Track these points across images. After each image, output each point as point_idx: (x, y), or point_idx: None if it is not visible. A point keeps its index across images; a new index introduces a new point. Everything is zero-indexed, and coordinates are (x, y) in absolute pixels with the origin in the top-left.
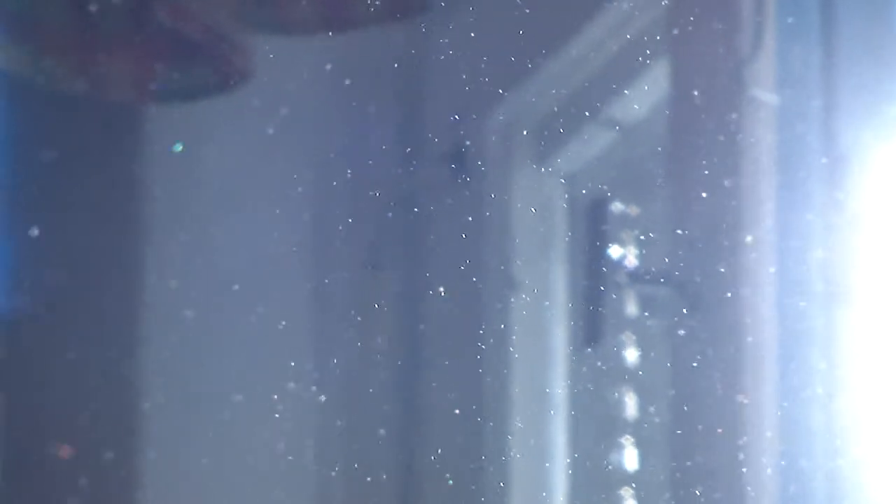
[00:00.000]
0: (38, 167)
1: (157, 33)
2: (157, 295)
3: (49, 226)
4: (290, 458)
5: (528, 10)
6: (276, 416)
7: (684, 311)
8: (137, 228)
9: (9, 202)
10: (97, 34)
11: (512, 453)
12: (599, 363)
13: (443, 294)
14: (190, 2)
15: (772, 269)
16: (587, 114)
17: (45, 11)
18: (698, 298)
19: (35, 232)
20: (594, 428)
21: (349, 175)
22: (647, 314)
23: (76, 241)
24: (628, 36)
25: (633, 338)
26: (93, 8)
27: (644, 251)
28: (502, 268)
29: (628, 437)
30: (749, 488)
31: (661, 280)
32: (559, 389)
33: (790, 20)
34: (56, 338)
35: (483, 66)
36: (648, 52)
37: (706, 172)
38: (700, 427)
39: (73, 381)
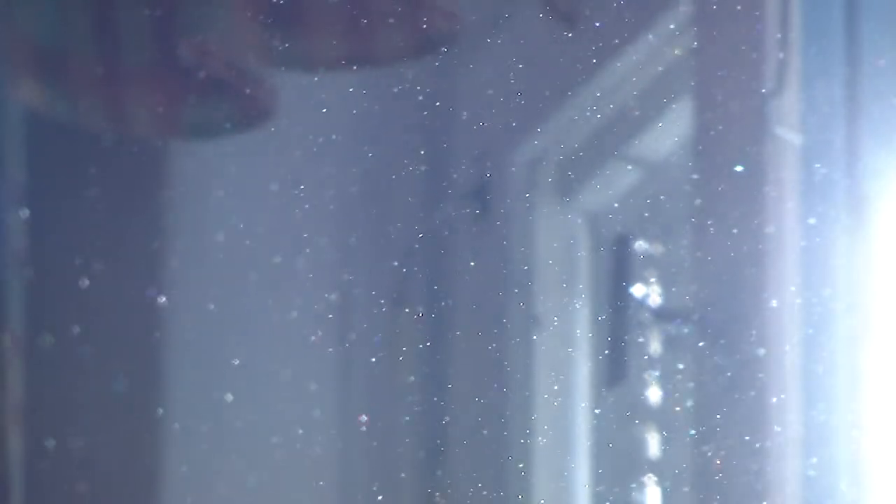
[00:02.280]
0: (62, 201)
1: (180, 70)
2: (179, 331)
3: (73, 255)
4: (318, 485)
5: (552, 48)
6: (299, 446)
7: (708, 349)
8: (160, 262)
9: (32, 234)
10: (122, 70)
11: (535, 490)
12: (622, 401)
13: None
14: (213, 38)
15: (796, 307)
16: (611, 152)
17: (70, 47)
18: (722, 337)
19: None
20: (617, 466)
21: (373, 211)
22: (670, 352)
23: (100, 271)
24: (652, 74)
25: (656, 376)
26: (118, 44)
27: (667, 289)
28: (525, 305)
29: (651, 475)
30: None
31: (685, 318)
32: (582, 427)
33: (814, 58)
34: (83, 367)
35: (507, 103)
36: (672, 90)
37: (730, 211)
38: (723, 467)
39: (100, 417)
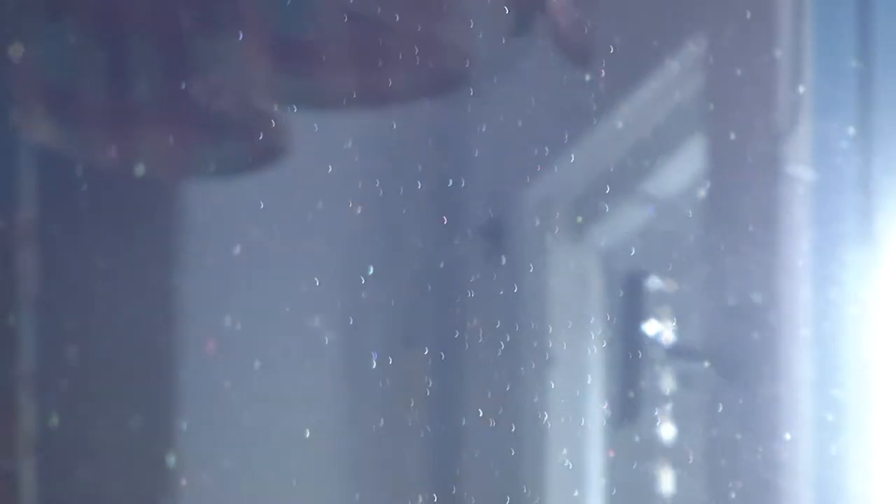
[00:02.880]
0: (75, 237)
1: (192, 109)
2: (192, 365)
3: (86, 294)
4: None
5: (565, 86)
6: (310, 485)
7: (721, 386)
8: (172, 304)
9: (45, 272)
10: (133, 109)
11: None
12: (636, 438)
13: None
14: (225, 77)
15: (808, 346)
16: (623, 189)
17: (82, 86)
18: (735, 374)
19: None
20: (630, 503)
21: (384, 248)
22: (683, 390)
23: (111, 310)
24: (665, 112)
25: (670, 413)
26: (129, 83)
27: (681, 326)
28: (538, 343)
29: None
30: None
31: (698, 355)
32: (596, 464)
33: (827, 96)
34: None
35: (519, 141)
36: (685, 127)
37: (742, 248)
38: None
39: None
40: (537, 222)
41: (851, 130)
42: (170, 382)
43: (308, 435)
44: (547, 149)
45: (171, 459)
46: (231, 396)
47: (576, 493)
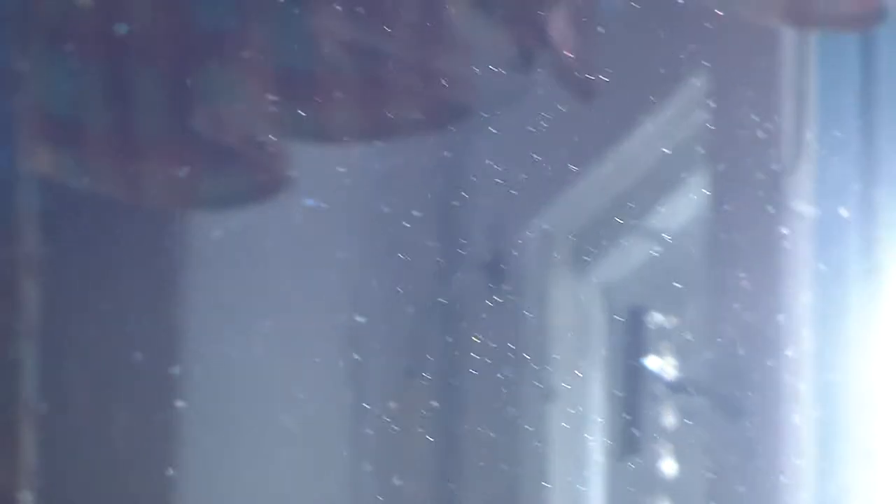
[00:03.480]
0: (77, 268)
1: (195, 140)
2: (195, 397)
3: (90, 321)
4: None
5: (567, 122)
6: None
7: (722, 421)
8: (174, 334)
9: (50, 300)
10: (137, 141)
11: None
12: (636, 472)
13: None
14: (228, 109)
15: (810, 381)
16: (626, 224)
17: (87, 117)
18: (736, 409)
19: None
20: None
21: (387, 282)
22: (684, 424)
23: (116, 337)
24: (668, 148)
25: (671, 447)
26: (133, 115)
27: (682, 361)
28: (539, 377)
29: None
30: None
31: (700, 391)
32: (596, 499)
33: (831, 133)
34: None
35: (522, 175)
36: (688, 163)
37: (745, 284)
38: None
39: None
40: (539, 256)
41: (854, 167)
42: (171, 415)
43: (312, 466)
44: (549, 183)
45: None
46: (233, 429)
47: None
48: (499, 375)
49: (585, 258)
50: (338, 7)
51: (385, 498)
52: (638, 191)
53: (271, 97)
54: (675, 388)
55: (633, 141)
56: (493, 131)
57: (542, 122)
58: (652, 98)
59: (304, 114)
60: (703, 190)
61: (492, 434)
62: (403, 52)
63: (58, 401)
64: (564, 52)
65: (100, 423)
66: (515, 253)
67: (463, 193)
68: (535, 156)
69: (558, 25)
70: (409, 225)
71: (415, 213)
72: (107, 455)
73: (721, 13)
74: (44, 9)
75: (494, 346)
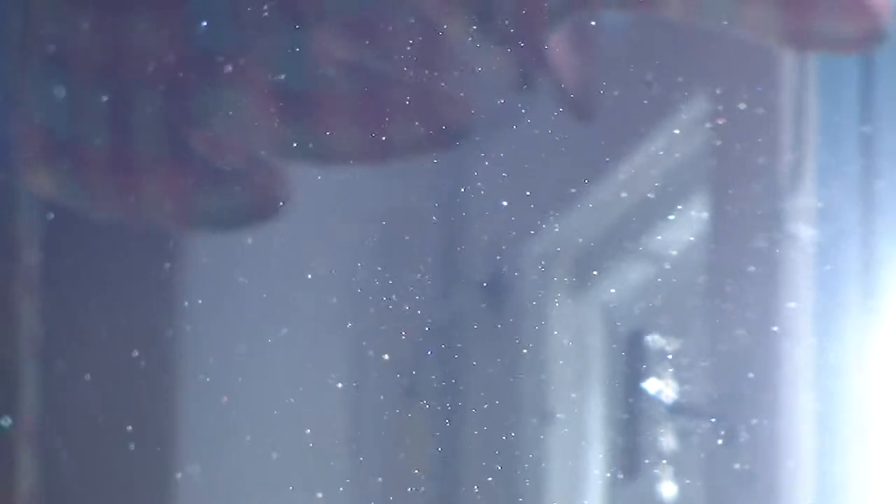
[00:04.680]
0: (76, 286)
1: (194, 160)
2: (194, 417)
3: (87, 343)
4: None
5: (567, 142)
6: None
7: (722, 444)
8: (173, 354)
9: (49, 322)
10: (136, 161)
11: None
12: (636, 496)
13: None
14: (227, 130)
15: (809, 404)
16: (626, 246)
17: (86, 137)
18: (736, 432)
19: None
20: None
21: (386, 303)
22: (684, 447)
23: (114, 361)
24: (667, 169)
25: (670, 470)
26: (132, 136)
27: (682, 384)
28: (538, 399)
29: None
30: None
31: (699, 413)
32: None
33: (830, 155)
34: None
35: (522, 196)
36: (687, 184)
37: (744, 306)
38: None
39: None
40: (539, 277)
41: (854, 189)
42: (173, 435)
43: (309, 475)
44: (549, 204)
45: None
46: (233, 448)
47: None
48: (497, 397)
49: (585, 280)
50: (337, 27)
51: None
52: (638, 213)
53: (270, 117)
54: (675, 410)
55: (633, 162)
56: (493, 152)
57: (541, 144)
58: (651, 119)
59: (303, 134)
60: (704, 212)
61: (490, 456)
62: (402, 72)
63: (57, 414)
64: (564, 74)
65: (100, 436)
66: (515, 274)
67: (462, 214)
68: (532, 176)
69: (558, 47)
70: (406, 245)
71: (412, 233)
72: (107, 468)
73: (721, 36)
74: (43, 29)
75: (492, 368)
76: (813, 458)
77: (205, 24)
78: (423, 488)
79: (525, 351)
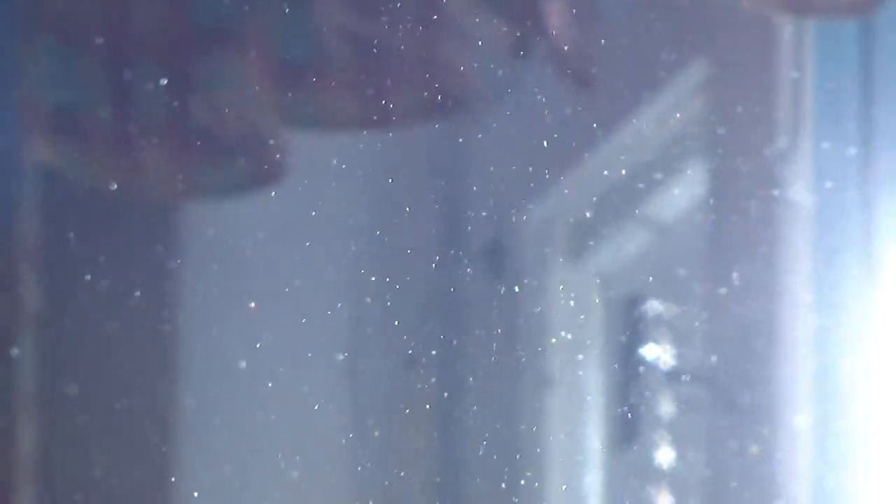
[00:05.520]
0: (78, 258)
1: (194, 129)
2: (195, 394)
3: (89, 313)
4: None
5: (565, 110)
6: None
7: (720, 410)
8: (172, 326)
9: (49, 291)
10: (136, 131)
11: None
12: (634, 462)
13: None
14: (227, 98)
15: (808, 371)
16: (624, 213)
17: (85, 107)
18: (734, 398)
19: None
20: None
21: (385, 270)
22: (682, 414)
23: (114, 331)
24: (665, 136)
25: (668, 437)
26: (132, 105)
27: (680, 350)
28: (536, 367)
29: None
30: None
31: (697, 379)
32: (594, 488)
33: (827, 119)
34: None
35: (519, 165)
36: (685, 150)
37: (743, 273)
38: None
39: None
40: (538, 245)
41: (852, 153)
42: (171, 411)
43: (311, 446)
44: (547, 171)
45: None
46: (230, 421)
47: None
48: (496, 362)
49: (583, 247)
50: None
51: (385, 487)
52: (635, 179)
53: (270, 87)
54: (673, 376)
55: (630, 130)
56: (491, 120)
57: (539, 111)
58: (649, 86)
59: (303, 103)
60: (701, 178)
61: (489, 424)
62: (401, 41)
63: (57, 395)
64: (562, 41)
65: (100, 420)
66: (513, 242)
67: (460, 183)
68: (531, 144)
69: (555, 14)
70: (406, 214)
71: (413, 201)
72: (107, 451)
73: (719, 2)
74: (45, 2)
75: (491, 335)
76: (811, 425)
77: None
78: (420, 458)
79: (523, 319)
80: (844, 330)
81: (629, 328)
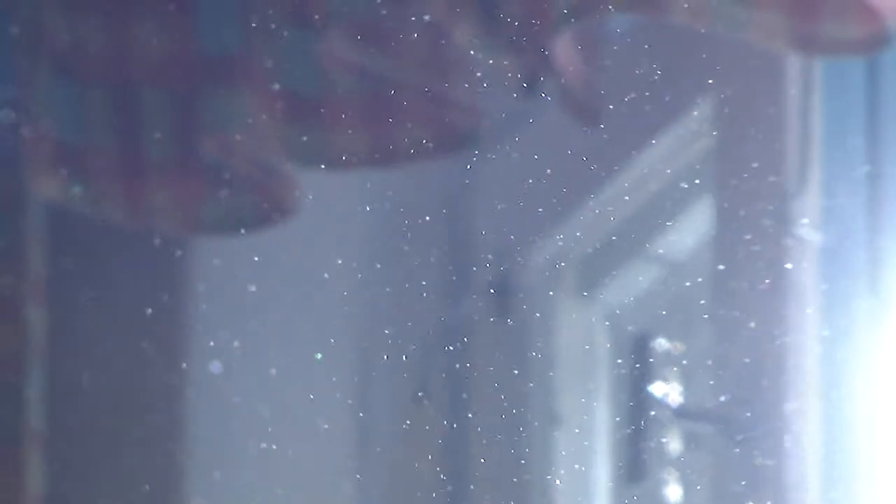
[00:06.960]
0: (84, 290)
1: (202, 165)
2: (201, 428)
3: (95, 347)
4: None
5: (573, 145)
6: None
7: (728, 448)
8: (179, 362)
9: (54, 329)
10: (144, 166)
11: None
12: (642, 499)
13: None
14: (236, 134)
15: (817, 407)
16: (632, 249)
17: (92, 141)
18: (742, 436)
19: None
20: None
21: (393, 306)
22: (690, 451)
23: (120, 367)
24: (673, 172)
25: (676, 474)
26: (140, 140)
27: (688, 388)
28: (545, 402)
29: None
30: None
31: (705, 417)
32: None
33: (836, 157)
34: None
35: (528, 200)
36: (694, 188)
37: (750, 310)
38: None
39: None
40: (546, 281)
41: (860, 192)
42: (178, 436)
43: (318, 482)
44: (555, 208)
45: None
46: (240, 454)
47: None
48: (504, 400)
49: (592, 284)
50: (345, 32)
51: None
52: (644, 215)
53: (278, 122)
54: (681, 414)
55: (639, 166)
56: (499, 156)
57: (547, 148)
58: (656, 123)
59: (311, 139)
60: (709, 215)
61: (497, 459)
62: (410, 77)
63: (64, 425)
64: (570, 78)
65: (106, 447)
66: (522, 279)
67: (469, 219)
68: (539, 181)
69: (564, 51)
70: (414, 250)
71: (421, 238)
72: (114, 480)
73: (727, 39)
74: (51, 33)
75: (499, 372)
76: (820, 462)
77: (213, 28)
78: (429, 491)
79: (532, 355)
80: (853, 365)
81: (637, 365)
